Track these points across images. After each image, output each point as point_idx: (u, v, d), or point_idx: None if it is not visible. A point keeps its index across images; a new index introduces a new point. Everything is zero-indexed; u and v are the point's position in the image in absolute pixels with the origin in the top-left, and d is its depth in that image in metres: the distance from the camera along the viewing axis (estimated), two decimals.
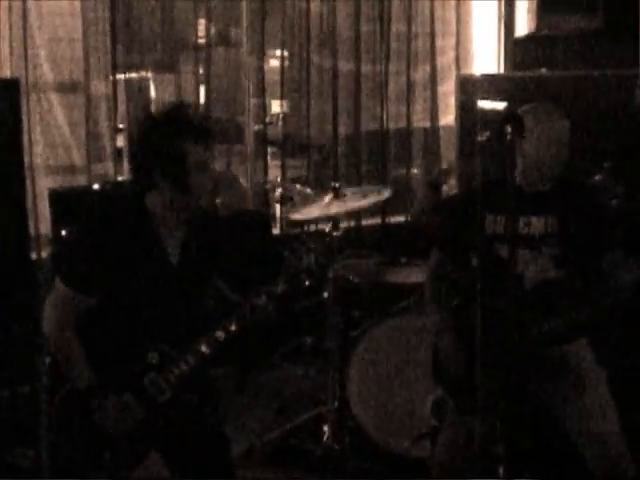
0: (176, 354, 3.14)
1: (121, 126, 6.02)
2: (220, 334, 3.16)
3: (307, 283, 3.25)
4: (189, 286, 3.25)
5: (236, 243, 5.27)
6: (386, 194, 4.80)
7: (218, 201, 5.18)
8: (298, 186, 5.40)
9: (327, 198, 4.67)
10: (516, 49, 6.95)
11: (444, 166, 7.06)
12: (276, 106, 6.69)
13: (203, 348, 3.15)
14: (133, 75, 6.17)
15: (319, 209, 4.67)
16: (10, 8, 5.43)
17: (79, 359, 3.09)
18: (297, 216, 4.99)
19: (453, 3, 7.05)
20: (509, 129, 2.97)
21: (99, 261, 3.08)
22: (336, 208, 4.62)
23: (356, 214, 6.56)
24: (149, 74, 6.25)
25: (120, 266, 3.08)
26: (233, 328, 3.18)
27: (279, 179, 6.19)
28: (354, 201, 4.70)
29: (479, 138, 3.03)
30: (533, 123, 3.40)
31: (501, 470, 3.09)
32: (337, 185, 4.90)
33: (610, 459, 3.38)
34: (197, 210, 3.20)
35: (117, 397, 3.07)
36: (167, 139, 3.08)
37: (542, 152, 3.47)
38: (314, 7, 6.55)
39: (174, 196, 3.12)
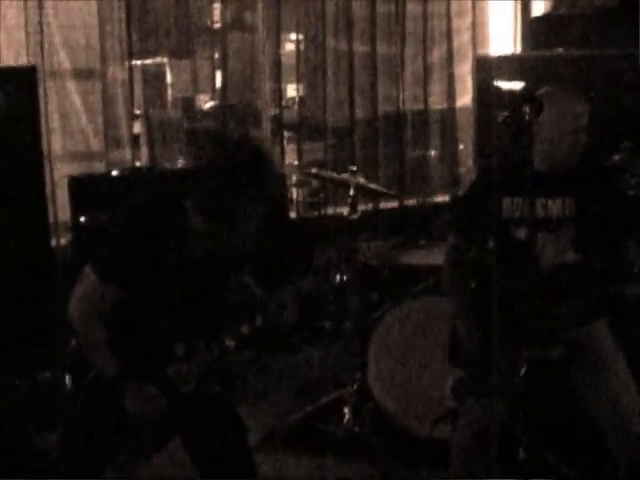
0: (202, 346, 3.15)
1: (138, 112, 6.04)
2: (245, 329, 3.17)
3: (337, 279, 3.24)
4: (215, 278, 3.24)
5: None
6: None
7: None
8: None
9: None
10: (533, 29, 6.90)
11: (461, 147, 7.06)
12: (292, 90, 6.69)
13: (228, 342, 3.16)
14: (149, 61, 6.19)
15: None
16: None
17: (105, 348, 3.09)
18: None
19: None
20: (527, 109, 2.96)
21: (133, 255, 3.06)
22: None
23: (374, 197, 6.57)
24: (165, 60, 6.27)
25: (150, 260, 3.07)
26: (259, 324, 3.18)
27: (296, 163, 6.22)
28: None
29: (498, 119, 3.01)
30: (552, 106, 3.35)
31: (522, 451, 3.10)
32: (354, 168, 4.93)
33: (631, 438, 3.38)
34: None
35: (141, 387, 3.08)
36: (226, 192, 2.95)
37: (560, 135, 3.43)
38: None
39: (213, 231, 3.07)
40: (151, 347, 3.10)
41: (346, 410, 4.60)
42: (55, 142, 5.65)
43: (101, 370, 3.08)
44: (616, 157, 4.83)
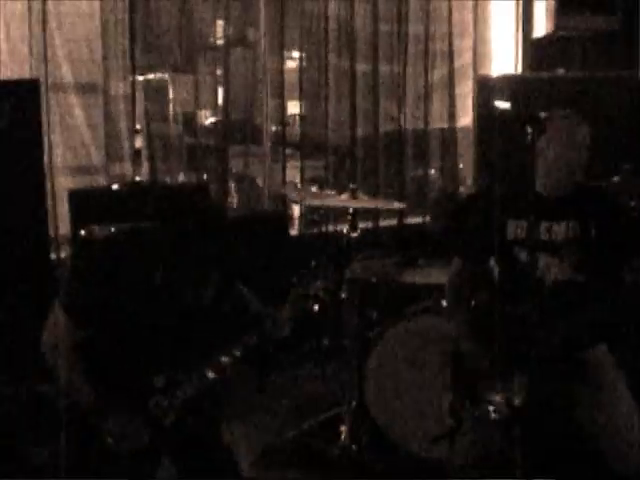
0: (182, 377, 3.13)
1: (139, 127, 6.05)
2: (225, 360, 3.15)
3: (316, 309, 3.23)
4: (192, 298, 3.23)
5: (252, 244, 5.31)
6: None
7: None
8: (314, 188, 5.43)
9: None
10: (534, 50, 6.94)
11: (461, 166, 7.07)
12: (293, 107, 6.70)
13: (209, 374, 3.14)
14: (151, 76, 6.20)
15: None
16: (30, 9, 5.48)
17: (77, 379, 3.10)
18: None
19: (471, 4, 7.04)
20: (529, 130, 2.97)
21: (95, 294, 3.09)
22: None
23: (374, 215, 6.58)
24: (167, 75, 6.28)
25: (115, 299, 3.08)
26: (238, 354, 3.17)
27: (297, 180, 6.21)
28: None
29: (500, 140, 3.03)
30: (553, 129, 3.37)
31: (518, 473, 3.09)
32: (354, 186, 4.93)
33: (633, 462, 3.37)
34: None
35: (120, 418, 3.07)
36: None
37: (562, 158, 3.45)
38: (332, 8, 6.55)
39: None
40: (130, 379, 3.09)
41: (343, 428, 4.58)
42: (56, 155, 5.65)
43: (76, 400, 3.07)
44: (616, 178, 4.85)
